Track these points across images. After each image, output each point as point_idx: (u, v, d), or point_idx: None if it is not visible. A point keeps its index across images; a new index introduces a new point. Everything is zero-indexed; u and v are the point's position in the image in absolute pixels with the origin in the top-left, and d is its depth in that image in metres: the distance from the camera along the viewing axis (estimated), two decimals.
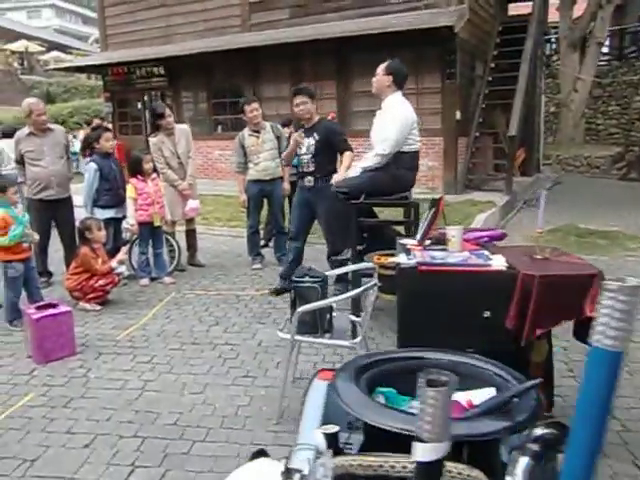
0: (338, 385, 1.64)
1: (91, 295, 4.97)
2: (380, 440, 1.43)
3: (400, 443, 1.22)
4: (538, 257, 2.79)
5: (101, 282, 4.99)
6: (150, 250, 5.81)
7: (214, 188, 10.84)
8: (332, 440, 1.38)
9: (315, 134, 5.07)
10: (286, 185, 6.36)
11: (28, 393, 3.48)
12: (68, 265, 5.74)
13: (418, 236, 2.97)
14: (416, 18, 9.49)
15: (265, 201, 6.42)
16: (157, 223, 5.71)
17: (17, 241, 4.39)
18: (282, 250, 6.53)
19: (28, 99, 5.76)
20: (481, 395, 1.65)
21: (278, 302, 5.19)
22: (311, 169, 5.09)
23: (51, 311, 3.95)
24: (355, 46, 10.11)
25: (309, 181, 5.13)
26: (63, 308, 4.05)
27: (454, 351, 1.88)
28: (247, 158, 6.20)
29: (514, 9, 13.71)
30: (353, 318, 3.38)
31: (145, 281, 5.73)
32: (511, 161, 10.26)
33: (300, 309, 2.99)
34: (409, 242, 3.06)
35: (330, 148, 5.04)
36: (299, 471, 1.31)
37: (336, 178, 4.70)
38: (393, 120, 4.30)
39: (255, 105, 6.09)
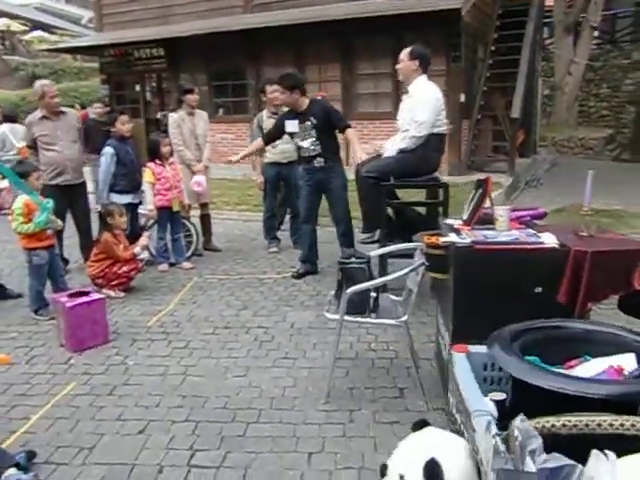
0: (497, 354, 1.70)
1: (115, 282, 4.92)
2: (540, 401, 1.47)
3: (561, 403, 1.26)
4: (584, 234, 2.82)
5: (124, 268, 4.94)
6: (168, 236, 5.75)
7: (217, 172, 10.62)
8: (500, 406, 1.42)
9: (312, 117, 5.04)
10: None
11: (69, 382, 3.45)
12: (84, 252, 5.69)
13: (465, 216, 2.98)
14: (421, 0, 9.40)
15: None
16: (176, 208, 5.65)
17: (42, 228, 4.32)
18: (298, 233, 6.52)
19: (40, 81, 5.64)
20: (622, 360, 1.70)
21: (301, 285, 5.19)
22: (318, 151, 5.08)
23: (84, 299, 3.89)
24: (359, 28, 10.02)
25: (319, 162, 5.11)
26: (96, 295, 4.00)
27: (589, 320, 1.96)
28: None
29: None
30: (393, 297, 3.40)
31: (164, 266, 5.68)
32: (513, 143, 10.29)
33: (350, 290, 2.99)
34: (454, 222, 3.07)
35: (330, 126, 5.05)
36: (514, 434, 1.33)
37: (361, 158, 4.65)
38: (427, 103, 4.30)
39: (275, 87, 6.00)
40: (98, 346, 3.93)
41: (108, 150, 5.43)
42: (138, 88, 12.99)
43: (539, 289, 2.61)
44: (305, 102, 5.12)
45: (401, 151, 4.38)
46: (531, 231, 2.82)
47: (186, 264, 5.79)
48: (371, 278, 3.13)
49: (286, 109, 5.93)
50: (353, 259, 3.16)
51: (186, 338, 4.08)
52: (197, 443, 2.81)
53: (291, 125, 5.25)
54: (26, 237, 4.33)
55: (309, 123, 5.09)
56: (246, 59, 11.40)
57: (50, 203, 4.37)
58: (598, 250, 2.57)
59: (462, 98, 10.07)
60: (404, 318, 3.14)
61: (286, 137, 6.05)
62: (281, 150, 6.10)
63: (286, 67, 11.15)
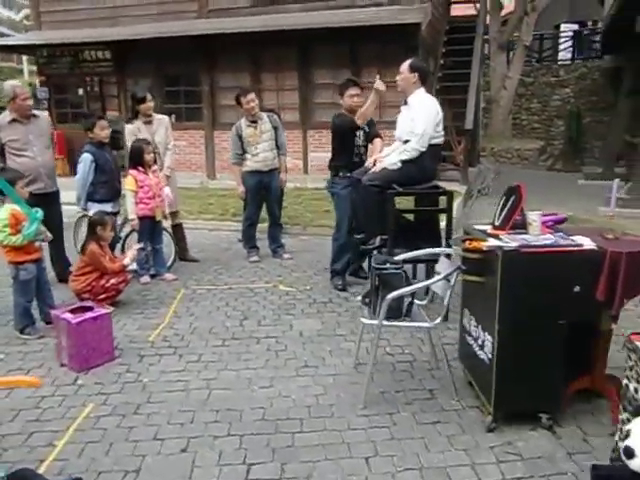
0: None
1: (102, 296, 4.66)
2: None
3: None
4: (609, 237, 3.00)
5: (113, 281, 4.71)
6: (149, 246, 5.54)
7: None
8: None
9: (365, 126, 5.14)
10: (283, 176, 6.28)
11: (86, 404, 3.25)
12: (56, 265, 5.40)
13: (497, 222, 3.08)
14: (381, 14, 9.62)
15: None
16: (159, 217, 5.47)
17: (31, 239, 4.05)
18: (278, 242, 6.48)
19: (10, 81, 5.31)
20: None
21: (295, 293, 5.16)
22: (365, 158, 5.16)
23: (90, 314, 3.69)
24: (318, 38, 10.09)
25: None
26: (102, 310, 3.80)
27: None
28: (244, 149, 6.07)
29: (453, 10, 14.33)
30: (418, 302, 3.46)
31: (146, 278, 5.48)
32: (466, 153, 10.71)
33: (391, 295, 3.02)
34: (486, 228, 3.18)
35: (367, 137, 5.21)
36: None
37: (376, 168, 4.63)
38: (427, 115, 4.40)
39: (252, 96, 5.97)
40: (104, 364, 3.73)
41: (87, 156, 5.16)
42: (82, 92, 12.42)
43: (577, 288, 2.76)
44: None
45: (403, 162, 4.46)
46: (563, 234, 2.96)
47: (168, 275, 5.60)
48: (408, 283, 3.17)
49: (258, 117, 5.92)
50: (388, 264, 3.19)
51: (196, 351, 3.95)
52: (248, 457, 2.74)
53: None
54: (12, 250, 4.04)
55: (363, 131, 5.20)
56: (200, 65, 11.18)
57: (39, 213, 4.10)
58: (632, 251, 2.74)
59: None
60: (438, 321, 3.21)
61: (267, 144, 6.05)
62: (263, 158, 6.06)
63: (242, 74, 11.21)
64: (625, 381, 2.30)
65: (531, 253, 2.74)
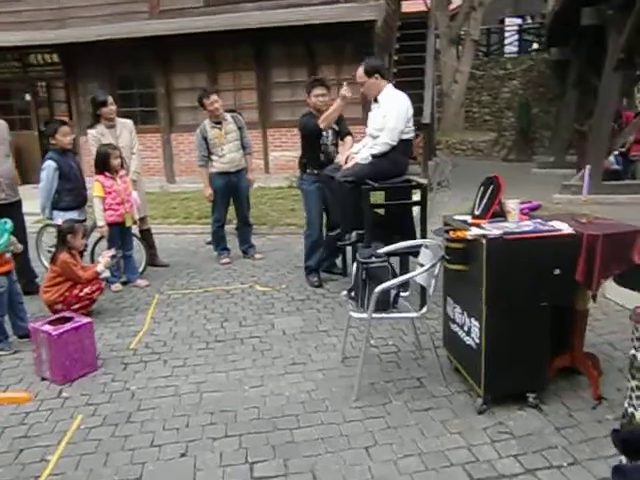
0: None
1: (76, 306, 4.55)
2: None
3: None
4: (583, 221, 3.15)
5: (87, 290, 4.59)
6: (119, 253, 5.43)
7: None
8: None
9: (335, 124, 5.17)
10: (251, 175, 6.27)
11: (75, 416, 3.18)
12: (18, 276, 5.23)
13: (477, 212, 3.18)
14: (337, 11, 9.68)
15: None
16: (129, 223, 5.37)
17: (2, 251, 3.93)
18: (248, 242, 6.47)
19: None
20: None
21: (272, 293, 5.16)
22: (333, 156, 5.17)
23: (71, 325, 3.60)
24: (274, 37, 10.07)
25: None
26: (83, 320, 3.71)
27: None
28: (210, 151, 6.03)
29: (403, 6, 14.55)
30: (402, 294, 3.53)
31: (118, 286, 5.38)
32: (426, 146, 10.91)
33: (379, 288, 3.08)
34: (465, 218, 3.28)
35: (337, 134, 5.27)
36: None
37: (348, 164, 4.70)
38: (398, 112, 4.46)
39: (214, 97, 5.91)
40: (88, 374, 3.66)
41: (50, 164, 5.02)
42: (29, 97, 11.98)
43: (557, 271, 2.89)
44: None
45: (374, 156, 4.53)
46: (540, 221, 3.09)
47: (140, 282, 5.52)
48: (394, 275, 3.24)
49: (223, 118, 5.91)
50: (374, 258, 3.25)
51: (180, 356, 3.92)
52: (250, 456, 2.75)
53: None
54: None
55: (331, 129, 5.21)
56: (154, 67, 10.97)
57: (8, 223, 3.98)
58: (606, 233, 2.89)
59: None
60: (424, 310, 3.29)
61: (233, 145, 6.03)
62: (230, 159, 6.03)
63: (198, 75, 11.08)
64: (632, 351, 2.42)
65: (514, 240, 2.85)
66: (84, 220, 5.35)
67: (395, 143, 4.47)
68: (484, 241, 2.83)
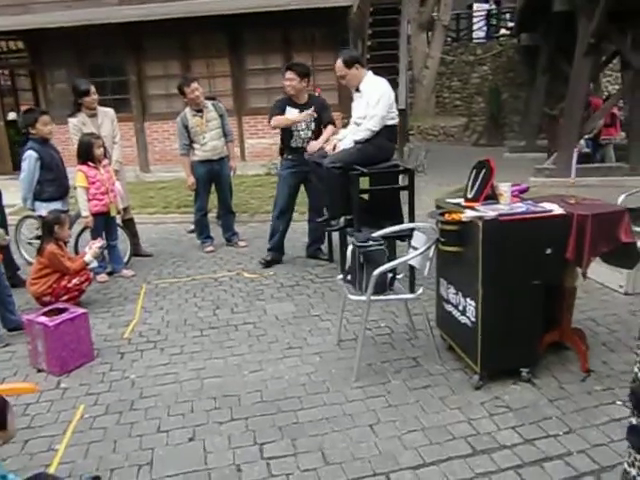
0: None
1: (65, 297, 4.50)
2: None
3: None
4: (572, 202, 3.26)
5: (75, 281, 4.55)
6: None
7: None
8: None
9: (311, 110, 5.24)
10: (232, 163, 6.27)
11: (77, 405, 3.19)
12: None
13: (470, 195, 3.27)
14: None
15: None
16: (113, 213, 5.32)
17: None
18: (232, 230, 6.47)
19: None
20: None
21: (261, 280, 5.20)
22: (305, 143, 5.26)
23: (66, 315, 3.58)
24: (249, 23, 9.98)
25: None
26: (78, 310, 3.69)
27: None
28: (191, 139, 5.99)
29: None
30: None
31: (104, 276, 5.34)
32: (402, 132, 11.00)
33: (378, 271, 3.15)
34: (458, 201, 3.37)
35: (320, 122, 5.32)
36: None
37: (314, 147, 4.96)
38: (380, 97, 4.53)
39: (195, 85, 5.86)
40: (84, 365, 3.65)
41: (31, 154, 4.93)
42: None
43: (549, 250, 3.00)
44: (305, 94, 5.32)
45: (357, 142, 4.59)
46: (531, 202, 3.20)
47: (126, 272, 5.49)
48: (390, 258, 3.31)
49: (203, 106, 5.89)
50: (370, 242, 3.31)
51: (177, 343, 3.94)
52: (258, 438, 2.81)
53: (292, 112, 5.31)
54: None
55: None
56: (126, 53, 10.75)
57: None
58: (595, 213, 3.02)
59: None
60: (419, 292, 3.39)
61: (215, 133, 6.01)
62: (212, 147, 6.00)
63: (171, 62, 10.92)
64: None
65: (508, 221, 2.95)
66: (67, 211, 5.29)
67: (377, 129, 4.54)
68: (480, 223, 2.93)
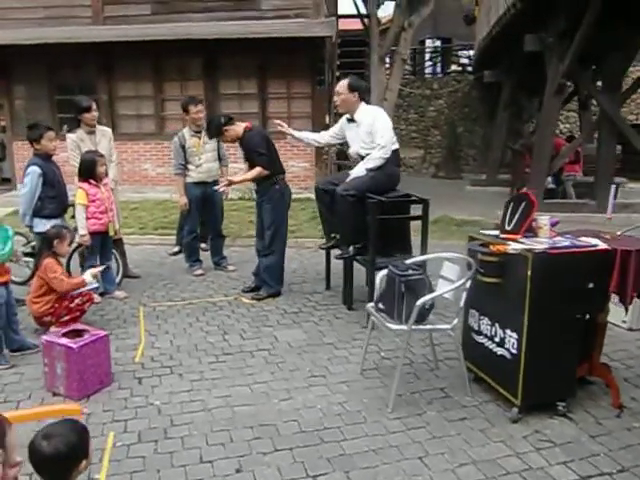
0: None
1: (66, 317, 4.28)
2: None
3: None
4: (607, 237, 3.39)
5: (77, 301, 4.32)
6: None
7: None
8: None
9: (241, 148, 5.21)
10: (225, 188, 6.15)
11: (105, 432, 3.01)
12: None
13: (509, 227, 3.36)
14: (290, 26, 9.73)
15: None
16: (111, 233, 5.12)
17: (4, 260, 3.63)
18: (220, 254, 6.35)
19: None
20: None
21: (261, 305, 5.11)
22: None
23: (89, 338, 3.39)
24: (224, 48, 9.98)
25: (254, 185, 5.24)
26: (99, 332, 3.50)
27: None
28: (187, 160, 5.89)
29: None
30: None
31: (97, 297, 5.08)
32: None
33: (422, 300, 3.17)
34: (493, 233, 3.46)
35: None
36: None
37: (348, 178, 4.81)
38: (384, 125, 4.66)
39: (201, 106, 5.89)
40: (102, 389, 3.46)
41: (35, 169, 4.72)
42: None
43: (591, 284, 3.11)
44: (240, 133, 5.12)
45: (370, 170, 4.65)
46: (571, 236, 3.32)
47: (119, 293, 5.27)
48: (431, 288, 3.34)
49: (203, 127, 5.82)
50: (410, 271, 3.33)
51: (194, 369, 3.80)
52: (309, 469, 2.73)
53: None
54: None
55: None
56: (97, 72, 10.48)
57: (10, 230, 3.69)
58: (638, 249, 3.13)
59: (327, 120, 10.68)
60: (455, 322, 3.42)
61: (210, 155, 5.94)
62: (207, 169, 5.96)
63: (144, 83, 10.73)
64: None
65: (557, 254, 3.03)
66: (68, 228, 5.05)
67: (388, 156, 4.64)
68: (530, 255, 3.00)
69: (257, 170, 5.02)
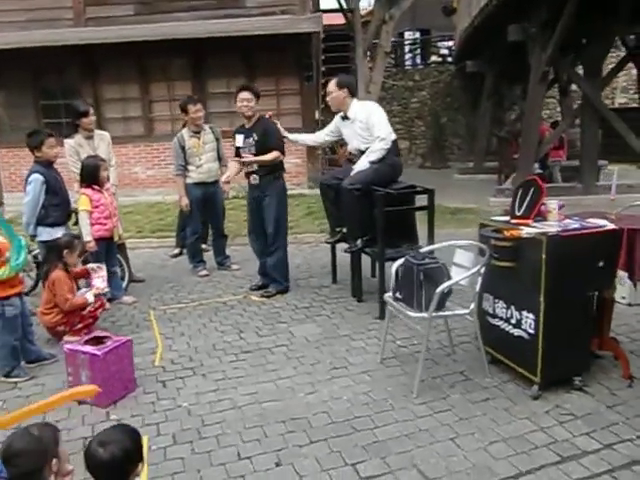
0: None
1: (79, 325, 4.30)
2: None
3: None
4: (613, 217, 3.51)
5: (89, 307, 4.34)
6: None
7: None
8: None
9: (254, 134, 5.13)
10: (226, 187, 6.19)
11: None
12: None
13: (519, 212, 3.45)
14: (277, 23, 9.76)
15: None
16: (116, 238, 5.13)
17: (19, 270, 3.63)
18: (223, 253, 6.37)
19: None
20: None
21: (271, 302, 5.16)
22: (254, 168, 5.18)
23: (113, 344, 3.41)
24: (211, 47, 9.96)
25: (254, 179, 5.23)
26: (122, 338, 3.53)
27: None
28: (186, 161, 5.90)
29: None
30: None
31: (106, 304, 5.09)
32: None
33: (441, 287, 3.25)
34: (502, 219, 3.55)
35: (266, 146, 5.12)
36: None
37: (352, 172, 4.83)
38: (380, 118, 4.75)
39: (200, 106, 5.87)
40: (127, 395, 3.49)
41: (37, 177, 4.67)
42: None
43: (601, 263, 3.22)
44: (256, 116, 5.17)
45: (373, 162, 4.72)
46: (578, 218, 3.42)
47: (127, 298, 5.28)
48: (448, 275, 3.42)
49: (202, 128, 5.84)
50: (427, 260, 3.41)
51: (216, 369, 3.84)
52: (346, 457, 2.80)
53: (238, 139, 5.24)
54: None
55: (251, 140, 5.14)
56: (81, 76, 10.40)
57: (24, 240, 3.69)
58: None
59: (317, 115, 10.72)
60: (472, 307, 3.50)
61: (210, 155, 5.96)
62: (207, 169, 5.96)
63: (130, 84, 10.66)
64: None
65: (569, 236, 3.14)
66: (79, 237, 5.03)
67: (389, 146, 4.71)
68: (544, 238, 3.10)
69: (275, 154, 5.07)
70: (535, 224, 3.30)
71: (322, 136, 5.41)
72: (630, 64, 11.07)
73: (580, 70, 10.08)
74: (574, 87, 12.46)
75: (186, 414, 3.27)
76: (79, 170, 5.41)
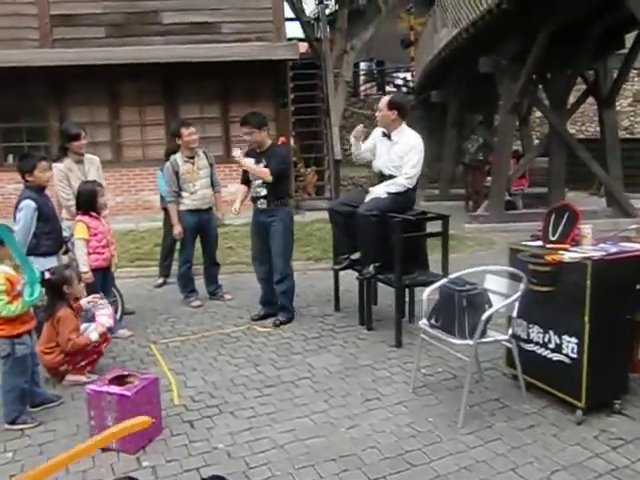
0: None
1: (83, 362, 3.99)
2: None
3: None
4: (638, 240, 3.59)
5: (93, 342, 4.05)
6: None
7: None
8: None
9: (264, 159, 5.04)
10: (219, 214, 6.01)
11: None
12: None
13: (555, 237, 3.46)
14: (253, 50, 9.71)
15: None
16: (113, 268, 4.85)
17: (31, 305, 3.34)
18: (216, 282, 6.15)
19: None
20: None
21: (280, 332, 4.99)
22: (263, 193, 5.07)
23: (140, 383, 3.17)
24: (184, 72, 9.78)
25: (262, 204, 5.11)
26: (148, 376, 3.28)
27: None
28: (180, 187, 5.69)
29: None
30: None
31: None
32: (337, 181, 11.32)
33: (486, 314, 3.22)
34: (536, 244, 3.57)
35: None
36: None
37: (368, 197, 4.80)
38: (418, 159, 4.70)
39: (193, 129, 5.67)
40: (154, 438, 3.23)
41: (29, 204, 4.35)
42: None
43: (639, 286, 3.28)
44: (267, 143, 5.06)
45: (389, 193, 4.67)
46: (613, 243, 3.47)
47: (122, 332, 4.98)
48: (489, 302, 3.38)
49: (195, 153, 5.68)
50: (467, 286, 3.36)
51: (242, 405, 3.64)
52: None
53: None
54: (7, 322, 3.27)
55: (261, 165, 5.03)
56: (47, 98, 9.96)
57: (38, 272, 3.41)
58: None
59: (292, 142, 10.69)
60: (510, 332, 3.48)
61: (205, 181, 5.78)
62: (202, 195, 5.77)
63: (98, 108, 10.30)
64: None
65: (612, 260, 3.18)
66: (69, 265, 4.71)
67: (411, 187, 4.69)
68: (589, 262, 3.12)
69: (265, 170, 4.95)
70: (576, 249, 3.33)
71: (364, 152, 5.17)
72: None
73: (545, 101, 10.50)
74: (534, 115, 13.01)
75: (226, 457, 3.06)
76: (68, 196, 5.17)
